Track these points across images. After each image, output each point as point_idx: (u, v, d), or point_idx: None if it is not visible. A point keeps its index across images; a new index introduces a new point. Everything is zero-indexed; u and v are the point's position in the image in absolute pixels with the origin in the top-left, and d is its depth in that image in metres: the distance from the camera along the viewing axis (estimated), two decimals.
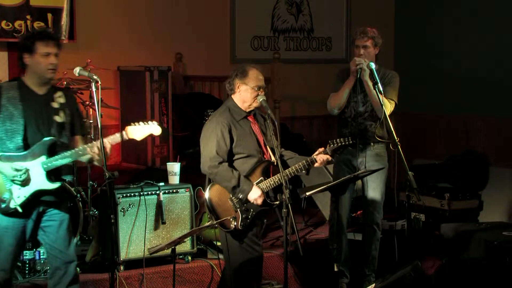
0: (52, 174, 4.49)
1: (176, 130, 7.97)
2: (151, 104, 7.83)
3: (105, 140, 4.50)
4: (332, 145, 4.99)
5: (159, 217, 5.75)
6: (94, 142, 4.50)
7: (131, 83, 8.03)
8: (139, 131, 4.60)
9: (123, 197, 5.67)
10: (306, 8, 9.86)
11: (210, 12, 9.09)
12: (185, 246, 5.83)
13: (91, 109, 6.66)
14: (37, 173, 4.45)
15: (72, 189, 5.89)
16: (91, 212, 6.35)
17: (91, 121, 6.62)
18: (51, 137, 4.48)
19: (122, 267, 5.63)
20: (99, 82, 4.52)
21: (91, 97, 6.50)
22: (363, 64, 5.50)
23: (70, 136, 4.63)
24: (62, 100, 4.60)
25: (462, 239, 6.56)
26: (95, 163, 4.59)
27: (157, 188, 5.79)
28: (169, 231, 5.78)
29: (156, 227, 5.75)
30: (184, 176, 5.98)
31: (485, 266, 6.19)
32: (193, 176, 5.75)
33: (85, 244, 6.04)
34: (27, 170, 4.43)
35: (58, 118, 4.55)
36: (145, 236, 5.69)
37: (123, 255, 5.63)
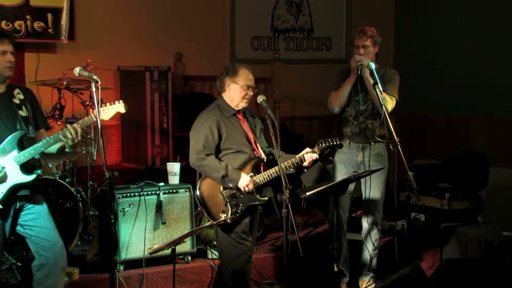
0: (26, 167, 4.51)
1: (176, 130, 7.97)
2: (151, 104, 7.83)
3: (74, 125, 4.52)
4: (320, 145, 5.08)
5: (159, 217, 5.75)
6: (64, 129, 4.51)
7: (131, 83, 8.03)
8: (105, 112, 4.66)
9: (123, 197, 5.66)
10: (306, 8, 9.86)
11: (210, 12, 9.10)
12: (185, 246, 5.83)
13: (91, 109, 6.66)
14: (12, 168, 4.47)
15: (72, 189, 5.95)
16: (91, 212, 6.36)
17: None
18: (20, 131, 4.51)
19: (122, 267, 5.63)
20: (99, 82, 4.53)
21: (91, 97, 6.50)
22: (363, 61, 5.50)
23: (35, 130, 4.65)
24: (21, 96, 4.64)
25: (462, 239, 6.57)
26: (66, 149, 4.62)
27: (157, 188, 5.79)
28: (169, 231, 5.78)
29: (156, 227, 5.75)
30: (184, 176, 5.98)
31: (485, 266, 6.19)
32: (193, 176, 5.73)
33: (85, 244, 6.05)
34: (2, 168, 4.44)
35: (22, 113, 4.58)
36: (145, 236, 5.68)
37: (123, 255, 5.63)
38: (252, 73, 5.09)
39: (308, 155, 5.03)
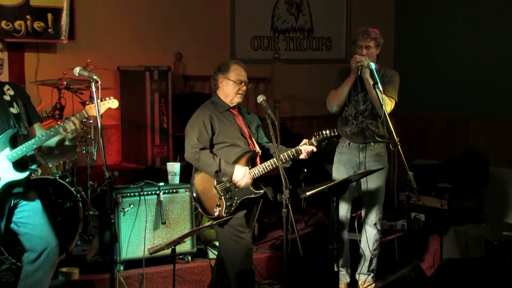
0: (19, 164, 4.50)
1: (176, 130, 7.97)
2: (151, 104, 7.83)
3: (72, 118, 4.55)
4: (317, 136, 5.11)
5: (159, 217, 5.75)
6: (63, 122, 4.52)
7: (131, 83, 8.04)
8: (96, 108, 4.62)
9: (123, 197, 5.66)
10: (306, 8, 9.86)
11: (210, 12, 9.10)
12: (185, 246, 5.83)
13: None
14: (4, 165, 4.46)
15: (72, 189, 5.95)
16: (91, 212, 6.36)
17: (91, 121, 6.62)
18: (11, 129, 4.50)
19: (122, 267, 5.63)
20: (99, 82, 4.53)
21: (91, 97, 6.48)
22: (363, 61, 5.50)
23: (28, 126, 4.64)
24: (11, 92, 4.62)
25: (462, 239, 6.57)
26: (67, 143, 4.64)
27: (157, 188, 5.79)
28: (169, 231, 5.78)
29: (156, 227, 5.75)
30: (184, 176, 5.98)
31: (485, 266, 6.20)
32: None
33: (85, 244, 6.05)
34: None
35: (13, 110, 4.57)
36: (145, 236, 5.68)
37: (123, 255, 5.63)
38: (244, 69, 5.17)
39: (305, 147, 5.06)
